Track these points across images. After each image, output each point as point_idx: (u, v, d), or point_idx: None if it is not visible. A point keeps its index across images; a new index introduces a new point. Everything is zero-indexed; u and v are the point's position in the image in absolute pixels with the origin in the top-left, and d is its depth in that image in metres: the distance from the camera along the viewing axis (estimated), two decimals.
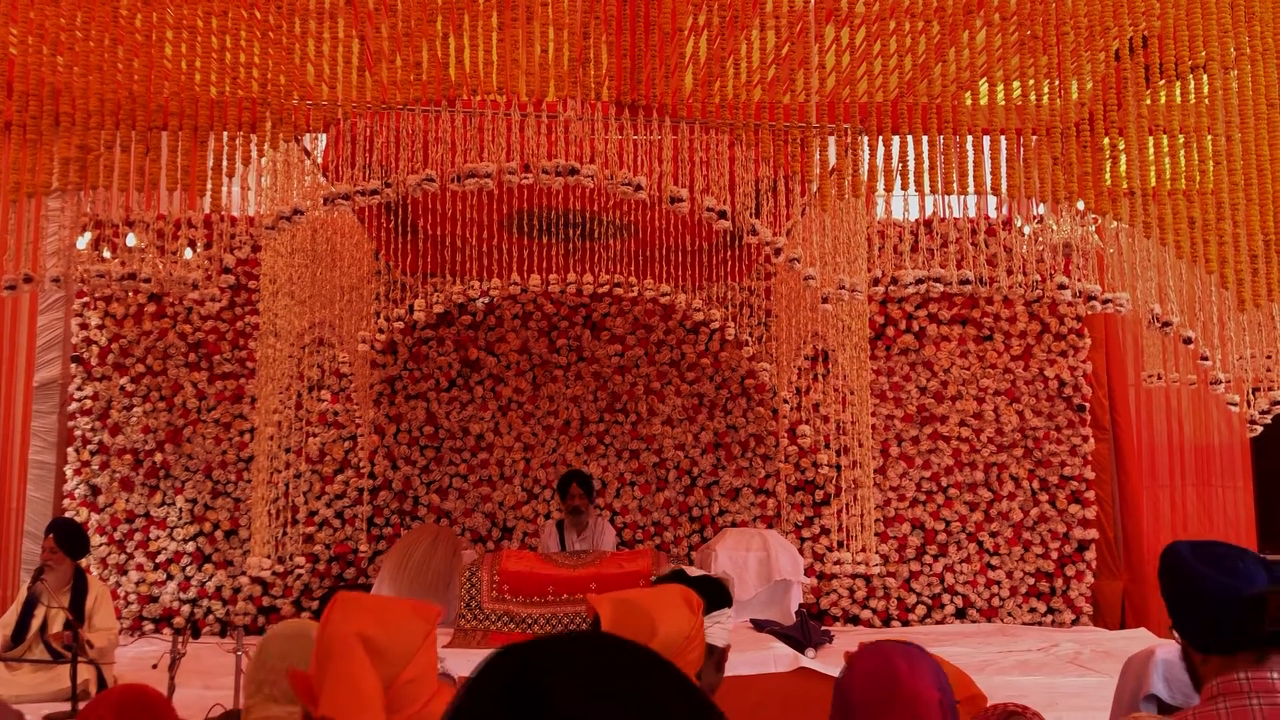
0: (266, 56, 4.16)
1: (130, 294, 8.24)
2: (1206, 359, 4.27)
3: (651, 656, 0.85)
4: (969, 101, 4.59)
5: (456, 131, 4.34)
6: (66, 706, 5.05)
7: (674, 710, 0.80)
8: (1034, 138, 4.48)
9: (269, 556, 5.38)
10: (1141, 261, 4.43)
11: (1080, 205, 5.18)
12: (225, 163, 4.25)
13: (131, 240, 5.75)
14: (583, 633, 0.88)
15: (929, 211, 4.58)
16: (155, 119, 4.23)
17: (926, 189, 4.28)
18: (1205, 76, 4.43)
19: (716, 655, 2.51)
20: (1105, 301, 4.25)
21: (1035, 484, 8.39)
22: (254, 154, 4.31)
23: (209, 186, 4.27)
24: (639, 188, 4.13)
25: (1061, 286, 4.32)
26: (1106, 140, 4.54)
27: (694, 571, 2.59)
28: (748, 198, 4.30)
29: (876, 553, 5.41)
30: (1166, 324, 4.23)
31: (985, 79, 4.59)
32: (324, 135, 4.85)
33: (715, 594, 2.51)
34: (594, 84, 4.12)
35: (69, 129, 4.18)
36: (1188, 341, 4.27)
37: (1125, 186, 4.41)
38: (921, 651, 1.95)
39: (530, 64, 4.15)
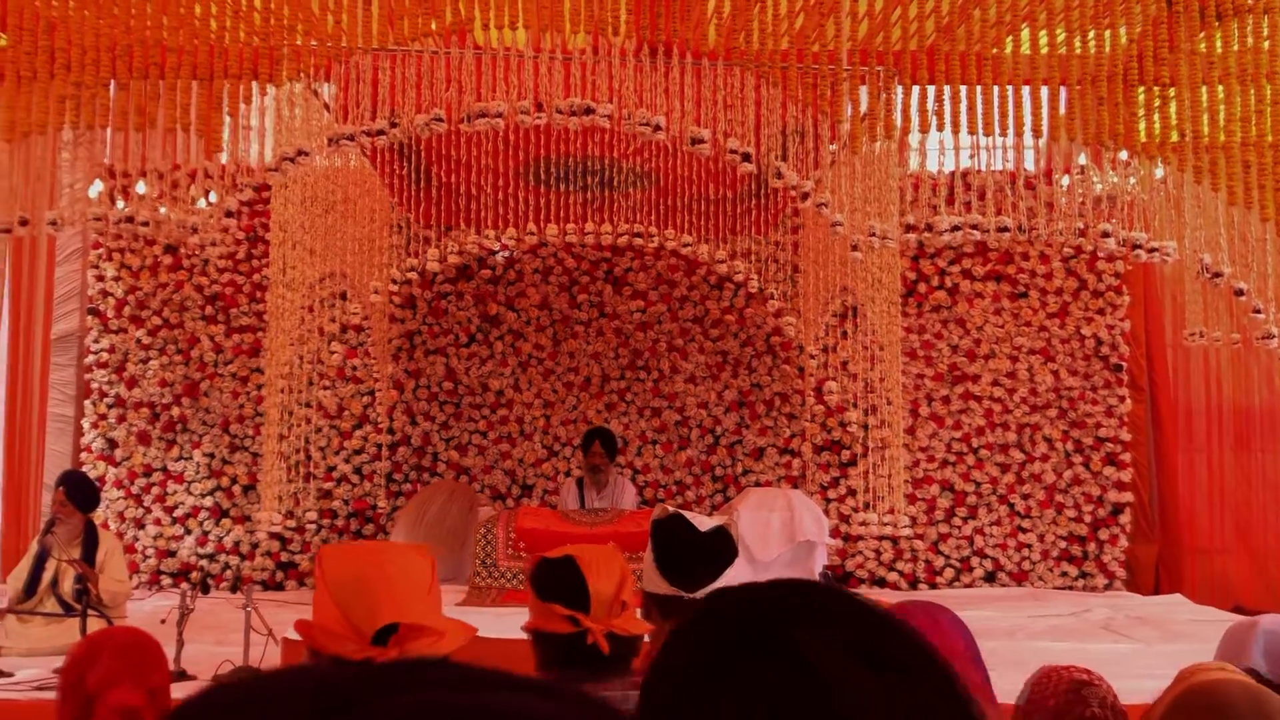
0: None
1: (145, 245, 8.13)
2: (1260, 312, 4.03)
3: (890, 616, 0.78)
4: (1010, 48, 4.32)
5: (467, 70, 4.14)
6: None
7: (926, 677, 0.74)
8: (1079, 83, 4.23)
9: (279, 512, 5.26)
10: (1190, 210, 4.17)
11: (1124, 155, 4.92)
12: (226, 101, 4.07)
13: (142, 188, 5.60)
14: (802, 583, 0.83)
15: (963, 164, 4.37)
16: (154, 55, 4.05)
17: (964, 131, 4.04)
18: (1265, 16, 4.16)
19: None
20: (1152, 250, 4.01)
21: (1069, 445, 8.15)
22: (255, 94, 4.13)
23: (224, 127, 4.11)
24: (659, 128, 3.91)
25: (1105, 235, 4.08)
26: (1156, 88, 4.29)
27: (701, 521, 2.38)
28: (774, 140, 4.07)
29: (905, 514, 5.22)
30: (1217, 274, 3.99)
31: (1027, 23, 4.33)
32: (331, 85, 4.65)
33: (725, 548, 2.33)
34: (610, 17, 3.90)
35: (64, 67, 4.01)
36: (1240, 293, 4.03)
37: (1176, 133, 4.16)
38: (941, 607, 1.81)
39: None
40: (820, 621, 0.75)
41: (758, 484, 8.00)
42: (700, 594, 2.23)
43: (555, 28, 3.99)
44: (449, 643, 1.67)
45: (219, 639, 5.59)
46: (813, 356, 6.97)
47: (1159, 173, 4.75)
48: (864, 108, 4.27)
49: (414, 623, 1.63)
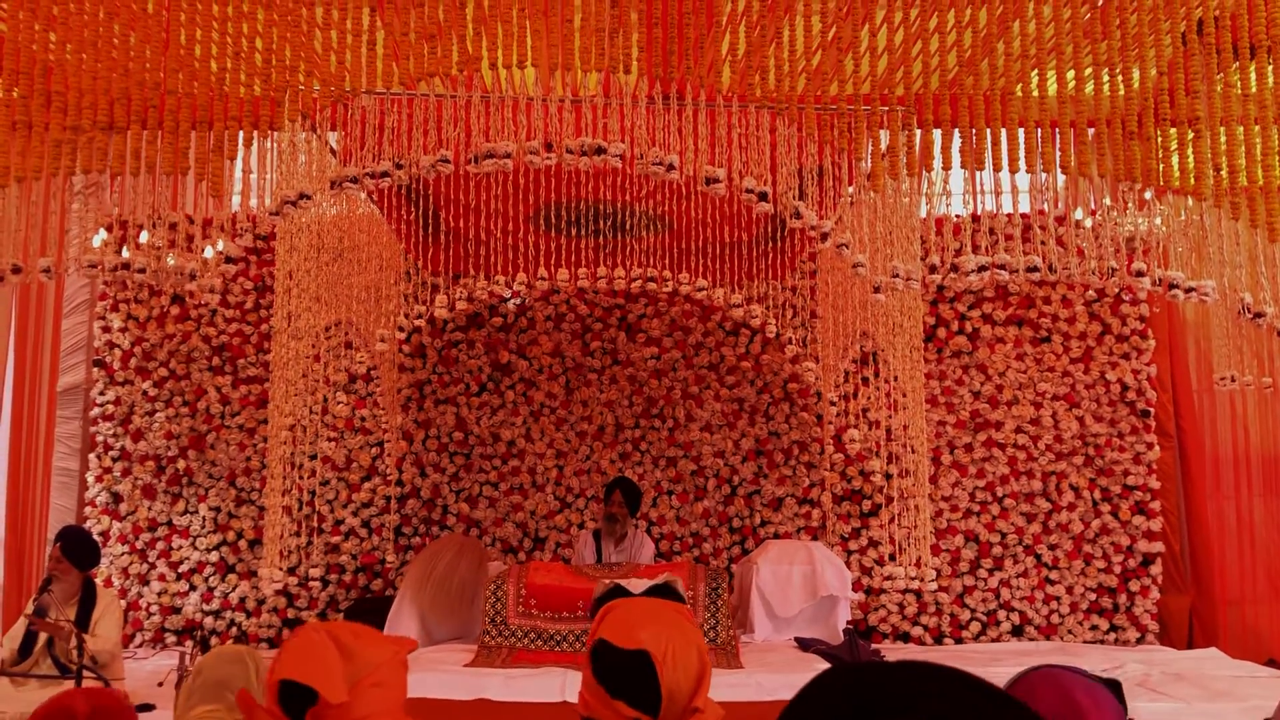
0: (271, 25, 3.86)
1: (152, 295, 8.03)
2: None
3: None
4: (1035, 87, 4.19)
5: (475, 111, 4.02)
6: None
7: None
8: (1106, 123, 4.09)
9: (281, 569, 5.08)
10: (1227, 248, 4.01)
11: (1148, 195, 4.77)
12: (228, 145, 3.95)
13: (145, 237, 5.50)
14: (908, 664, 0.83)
15: (987, 205, 4.24)
16: (153, 99, 3.94)
17: (989, 170, 3.90)
18: None
19: None
20: (1189, 290, 3.84)
21: (1097, 494, 7.92)
22: (258, 139, 4.01)
23: (230, 174, 3.98)
24: (672, 167, 3.78)
25: (1139, 274, 3.91)
26: (1181, 127, 4.15)
27: (635, 586, 2.23)
28: (791, 177, 3.93)
29: (931, 567, 5.00)
30: (1259, 315, 3.81)
31: (1054, 55, 4.20)
32: (337, 130, 4.54)
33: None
34: (622, 56, 3.78)
35: (60, 110, 3.90)
36: None
37: (1211, 170, 4.01)
38: (1095, 679, 1.62)
39: (553, 35, 3.82)
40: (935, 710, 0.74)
41: (776, 535, 7.78)
42: None
43: (565, 66, 3.87)
44: None
45: None
46: (832, 403, 6.78)
47: (1186, 205, 4.60)
48: (884, 145, 4.13)
49: (331, 696, 1.57)
